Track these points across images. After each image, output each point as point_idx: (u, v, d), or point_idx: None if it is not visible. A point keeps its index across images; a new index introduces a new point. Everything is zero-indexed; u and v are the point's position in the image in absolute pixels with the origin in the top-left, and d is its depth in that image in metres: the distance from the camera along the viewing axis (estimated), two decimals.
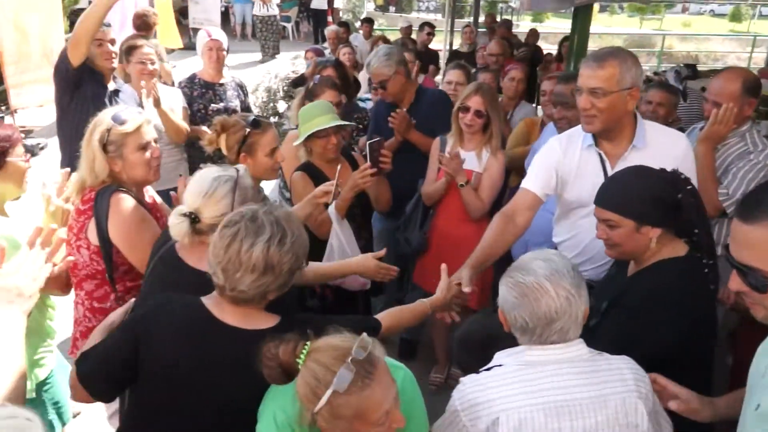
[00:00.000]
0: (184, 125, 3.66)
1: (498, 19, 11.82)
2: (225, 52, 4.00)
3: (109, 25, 3.24)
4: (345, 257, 2.45)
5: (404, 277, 3.31)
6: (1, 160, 2.07)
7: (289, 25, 15.76)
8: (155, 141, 2.21)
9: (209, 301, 1.53)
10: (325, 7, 14.47)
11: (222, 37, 4.00)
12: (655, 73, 9.33)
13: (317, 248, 2.51)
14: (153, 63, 3.58)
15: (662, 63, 13.78)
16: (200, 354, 1.46)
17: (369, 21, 9.45)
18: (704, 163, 2.56)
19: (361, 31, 9.35)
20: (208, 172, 1.77)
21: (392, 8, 24.37)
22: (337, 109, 3.06)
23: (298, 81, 5.52)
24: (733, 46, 17.80)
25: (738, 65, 13.71)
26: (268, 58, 12.03)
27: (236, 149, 2.31)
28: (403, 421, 1.30)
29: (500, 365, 1.46)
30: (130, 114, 2.13)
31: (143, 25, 5.51)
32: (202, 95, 3.90)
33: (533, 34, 8.79)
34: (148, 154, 2.14)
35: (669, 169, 2.10)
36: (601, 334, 1.65)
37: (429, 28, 8.13)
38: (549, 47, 9.85)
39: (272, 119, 5.42)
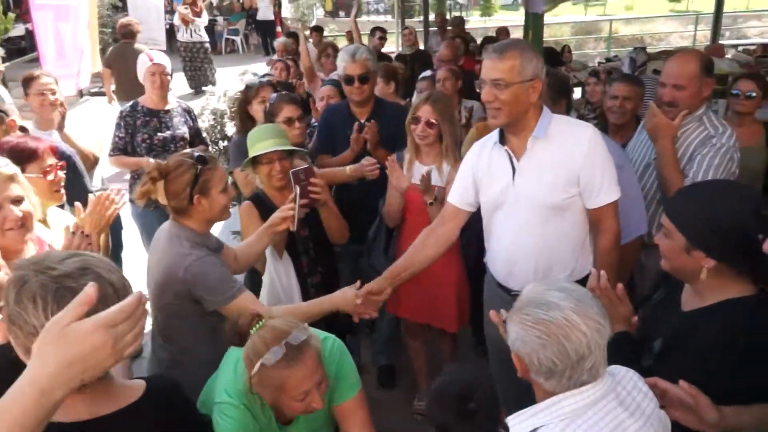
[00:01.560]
0: (91, 150, 3.56)
1: (448, 17, 11.81)
2: (169, 77, 3.80)
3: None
4: (274, 295, 2.33)
5: None
6: None
7: (237, 39, 15.51)
8: (16, 201, 1.84)
9: None
10: (272, 17, 14.26)
11: (165, 60, 3.80)
12: (607, 59, 9.43)
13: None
14: (54, 93, 3.42)
15: (612, 48, 14.05)
16: None
17: (318, 29, 9.31)
18: (665, 161, 2.49)
19: (311, 40, 9.20)
20: None
21: (342, 13, 24.20)
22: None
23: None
24: (675, 25, 18.20)
25: (683, 45, 14.12)
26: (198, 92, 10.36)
27: (188, 193, 1.95)
28: (321, 404, 1.59)
29: (537, 429, 1.28)
30: None
31: (128, 33, 6.53)
32: (146, 124, 3.69)
33: (504, 32, 8.90)
34: None
35: (572, 161, 2.05)
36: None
37: (380, 32, 8.02)
38: None
39: (222, 143, 5.16)
